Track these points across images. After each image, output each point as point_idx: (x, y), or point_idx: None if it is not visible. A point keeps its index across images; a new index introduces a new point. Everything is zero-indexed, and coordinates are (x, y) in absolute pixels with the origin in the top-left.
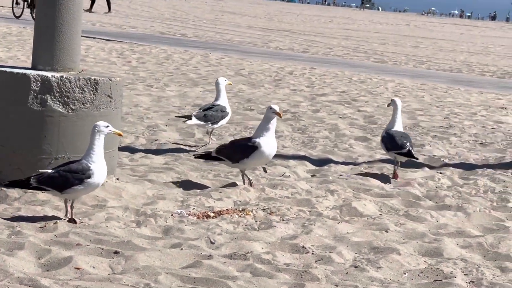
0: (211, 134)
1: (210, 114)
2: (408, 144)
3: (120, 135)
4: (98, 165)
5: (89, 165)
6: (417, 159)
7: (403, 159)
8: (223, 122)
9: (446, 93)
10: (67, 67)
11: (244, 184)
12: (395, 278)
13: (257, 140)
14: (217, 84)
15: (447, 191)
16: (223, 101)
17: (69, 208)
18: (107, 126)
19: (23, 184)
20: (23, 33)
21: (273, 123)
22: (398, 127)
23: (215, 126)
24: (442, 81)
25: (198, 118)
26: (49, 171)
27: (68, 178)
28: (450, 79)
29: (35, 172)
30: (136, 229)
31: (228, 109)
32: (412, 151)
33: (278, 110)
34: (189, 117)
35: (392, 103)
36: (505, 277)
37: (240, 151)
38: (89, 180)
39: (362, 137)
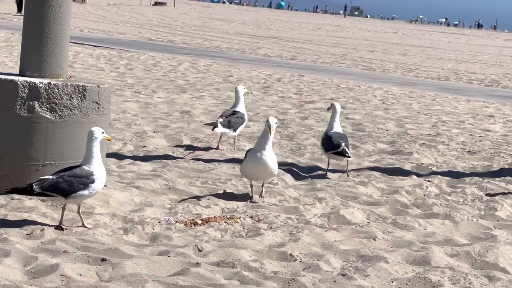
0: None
1: (233, 121)
2: (343, 143)
3: (108, 139)
4: (99, 170)
5: (92, 170)
6: (349, 157)
7: (340, 158)
8: (241, 128)
9: (434, 101)
10: (55, 73)
11: (252, 196)
12: (383, 286)
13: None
14: (236, 91)
15: (435, 199)
16: (241, 108)
17: (63, 214)
18: (103, 132)
19: (26, 191)
20: (11, 39)
21: (268, 136)
22: (336, 129)
23: (235, 133)
24: (430, 89)
25: (223, 125)
26: (51, 177)
27: (73, 183)
28: (438, 87)
29: (35, 179)
30: (124, 236)
31: (246, 116)
32: (346, 150)
33: (272, 125)
34: (215, 125)
35: (332, 107)
36: (493, 285)
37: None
38: (93, 184)
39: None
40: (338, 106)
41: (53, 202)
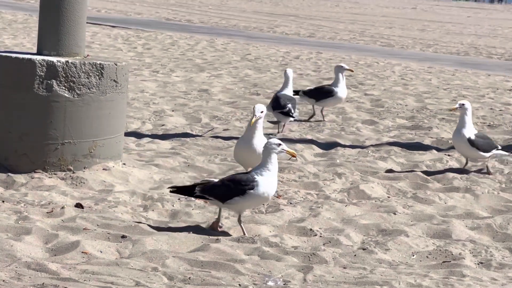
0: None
1: (295, 106)
2: (289, 105)
3: (294, 155)
4: (265, 179)
5: (255, 177)
6: (293, 117)
7: (285, 119)
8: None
9: (454, 76)
10: (73, 52)
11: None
12: (403, 260)
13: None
14: (286, 74)
15: (455, 173)
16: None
17: (219, 217)
18: (279, 145)
19: (188, 192)
20: (29, 20)
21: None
22: (288, 92)
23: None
24: (449, 64)
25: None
26: (215, 180)
27: (230, 188)
28: (457, 62)
29: (200, 180)
30: (143, 214)
31: (337, 91)
32: (291, 111)
33: (256, 114)
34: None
35: (284, 73)
36: None
37: None
38: (252, 191)
39: (369, 121)
40: (290, 72)
41: (215, 206)
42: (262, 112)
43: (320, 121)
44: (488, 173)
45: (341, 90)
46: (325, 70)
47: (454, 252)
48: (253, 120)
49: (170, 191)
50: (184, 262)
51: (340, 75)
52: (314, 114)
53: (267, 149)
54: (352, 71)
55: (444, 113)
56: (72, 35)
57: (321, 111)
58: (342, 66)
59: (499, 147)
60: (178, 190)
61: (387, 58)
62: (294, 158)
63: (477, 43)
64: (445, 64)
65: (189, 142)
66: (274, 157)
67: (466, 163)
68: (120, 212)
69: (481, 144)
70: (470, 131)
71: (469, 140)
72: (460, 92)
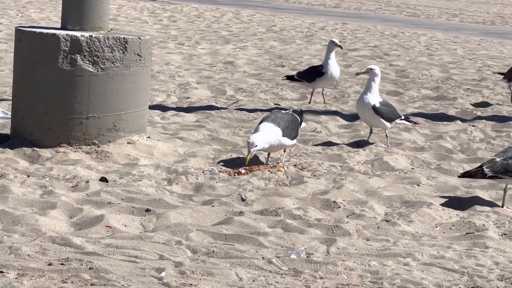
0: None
1: None
2: None
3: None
4: None
5: None
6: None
7: None
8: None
9: (479, 46)
10: (96, 26)
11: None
12: (426, 231)
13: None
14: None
15: (480, 144)
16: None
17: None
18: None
19: (477, 174)
20: None
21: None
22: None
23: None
24: (475, 33)
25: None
26: (497, 159)
27: None
28: (483, 32)
29: (485, 161)
30: (168, 187)
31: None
32: None
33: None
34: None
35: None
36: None
37: None
38: None
39: (393, 91)
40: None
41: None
42: (256, 146)
43: (338, 97)
44: (387, 144)
45: (333, 69)
46: (350, 41)
47: (478, 224)
48: (248, 157)
49: (459, 176)
50: (207, 235)
51: (332, 52)
52: (312, 96)
53: None
54: (341, 47)
55: (470, 83)
56: (95, 9)
57: (322, 93)
58: (333, 42)
59: (402, 117)
60: (466, 174)
61: (412, 28)
62: (319, 130)
63: (503, 12)
64: (471, 33)
65: (213, 114)
66: None
67: (371, 132)
68: (144, 186)
69: (385, 112)
70: (375, 98)
71: (374, 107)
72: (485, 62)
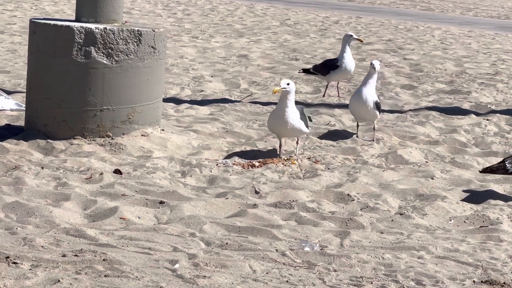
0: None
1: None
2: None
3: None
4: None
5: None
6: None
7: None
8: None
9: (494, 40)
10: (111, 18)
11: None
12: (440, 225)
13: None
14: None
15: (494, 138)
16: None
17: None
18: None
19: (499, 170)
20: None
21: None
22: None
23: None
24: (489, 28)
25: None
26: None
27: None
28: (497, 26)
29: (507, 156)
30: (181, 179)
31: (342, 64)
32: None
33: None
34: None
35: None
36: None
37: None
38: None
39: (408, 85)
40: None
41: None
42: (288, 84)
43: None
44: (373, 138)
45: (348, 62)
46: (364, 35)
47: (492, 217)
48: (276, 89)
49: (480, 172)
50: (221, 228)
51: (347, 45)
52: (326, 89)
53: None
54: (361, 41)
55: (484, 77)
56: (110, 2)
57: (337, 86)
58: (351, 36)
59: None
60: (487, 169)
61: (427, 22)
62: (332, 123)
63: None
64: (485, 28)
65: (227, 107)
66: None
67: (358, 126)
68: (158, 178)
69: (378, 107)
70: (374, 94)
71: (377, 103)
72: (499, 56)
